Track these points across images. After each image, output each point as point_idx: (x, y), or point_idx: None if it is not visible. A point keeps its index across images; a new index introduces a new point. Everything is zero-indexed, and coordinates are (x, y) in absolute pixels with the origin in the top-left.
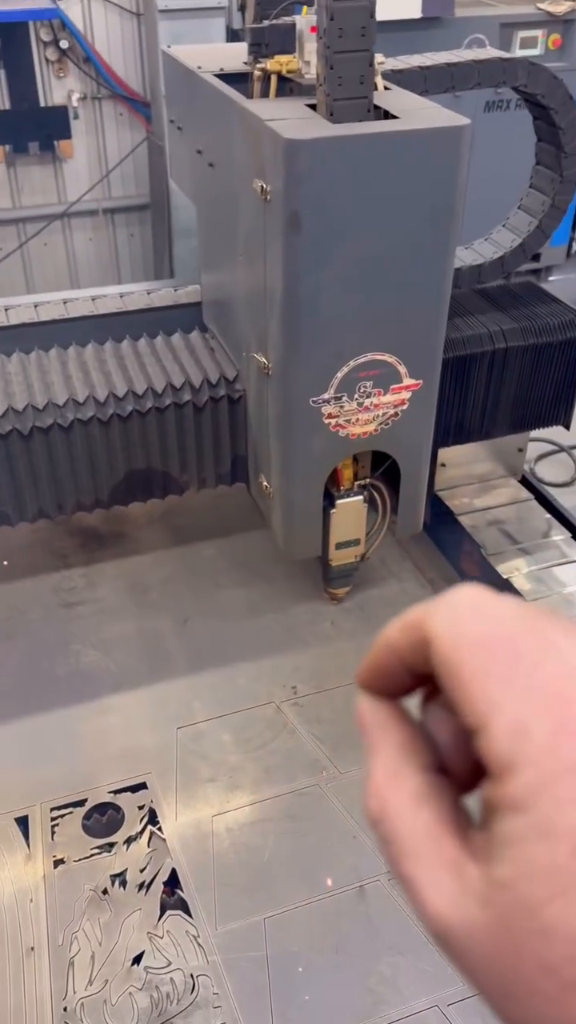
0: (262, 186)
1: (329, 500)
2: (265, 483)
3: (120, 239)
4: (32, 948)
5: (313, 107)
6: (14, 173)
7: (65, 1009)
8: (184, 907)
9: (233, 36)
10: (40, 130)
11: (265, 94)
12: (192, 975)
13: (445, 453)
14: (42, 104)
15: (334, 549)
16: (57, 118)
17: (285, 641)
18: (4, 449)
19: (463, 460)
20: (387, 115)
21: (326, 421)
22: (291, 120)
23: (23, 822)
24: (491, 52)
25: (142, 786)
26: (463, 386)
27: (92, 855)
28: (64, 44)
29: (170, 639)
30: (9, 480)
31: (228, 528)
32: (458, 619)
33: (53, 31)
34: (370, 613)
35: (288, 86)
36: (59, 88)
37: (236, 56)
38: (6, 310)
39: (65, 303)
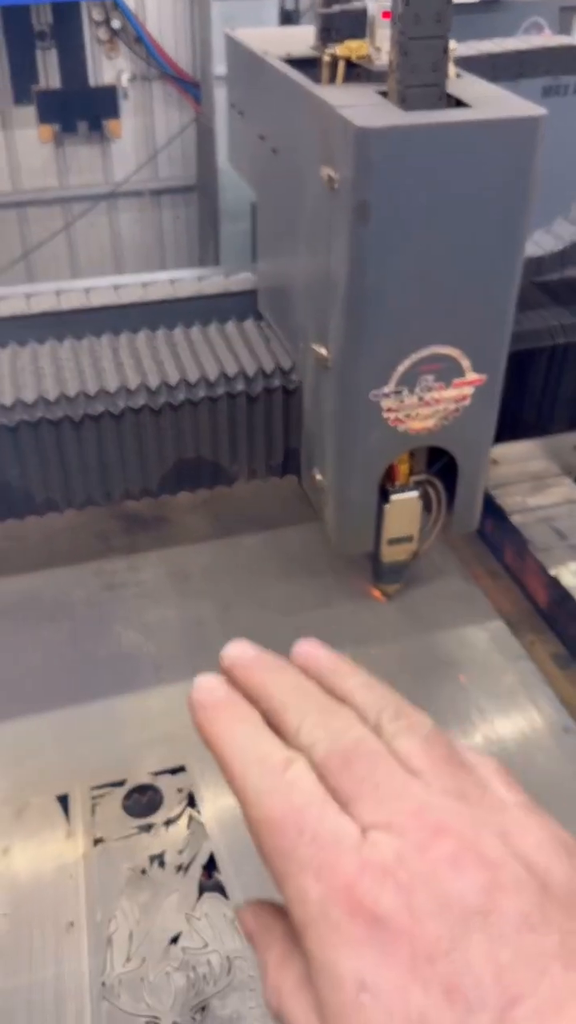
0: (329, 175)
1: (383, 496)
2: (319, 477)
3: (166, 221)
4: (71, 923)
5: (384, 94)
6: (62, 153)
7: (103, 984)
8: (222, 890)
9: (286, 17)
10: (89, 110)
11: (333, 80)
12: (229, 958)
13: (497, 450)
14: (92, 84)
15: (386, 545)
16: (106, 98)
17: (326, 634)
18: (55, 436)
19: (516, 457)
20: (459, 103)
21: (385, 415)
22: (362, 107)
23: (64, 800)
24: (560, 39)
25: (181, 769)
26: (521, 381)
27: (131, 835)
28: (116, 24)
29: (211, 626)
30: (59, 467)
31: (270, 518)
32: (259, 802)
33: (105, 11)
34: (414, 609)
35: (355, 72)
36: (109, 68)
37: (302, 40)
38: (57, 295)
39: (116, 289)
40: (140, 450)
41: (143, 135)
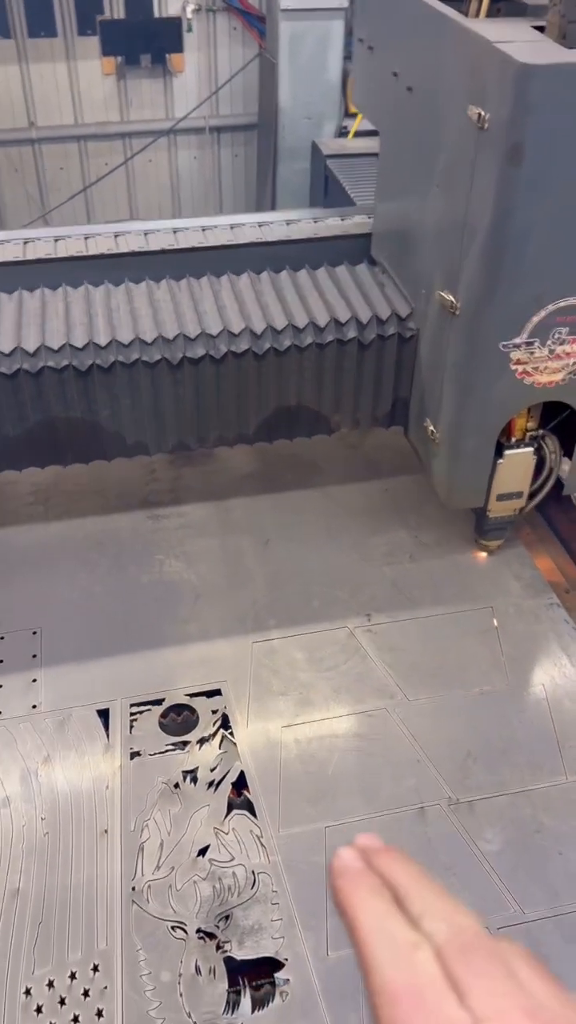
0: (479, 113)
1: (497, 450)
2: (431, 428)
3: (224, 159)
4: (106, 831)
5: (540, 29)
6: (124, 86)
7: (133, 889)
8: (250, 808)
9: None
10: (153, 42)
11: (477, 14)
12: (254, 872)
13: None
14: (156, 15)
15: (495, 500)
16: (170, 30)
17: (363, 571)
18: (150, 378)
19: None
20: None
21: (513, 367)
22: (520, 43)
23: (104, 714)
24: None
25: (216, 692)
26: None
27: (167, 751)
28: None
29: (250, 558)
30: (152, 410)
31: (312, 457)
32: (383, 973)
33: None
34: (450, 550)
35: (496, 6)
36: None
37: None
38: (145, 234)
39: (232, 228)
40: (239, 395)
41: (205, 70)
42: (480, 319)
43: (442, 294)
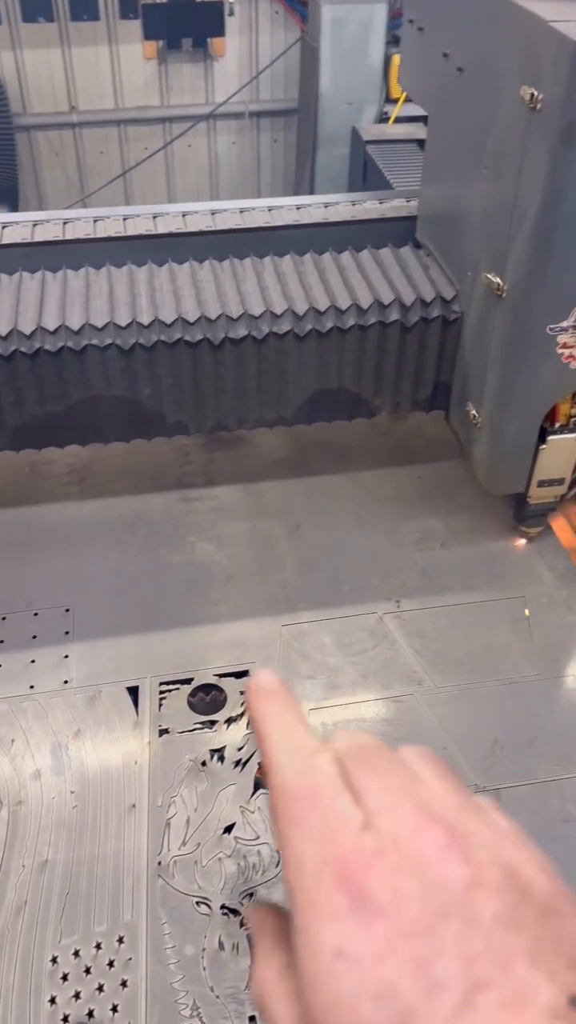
0: (532, 93)
1: (540, 436)
2: (473, 412)
3: (263, 144)
4: (134, 805)
5: None
6: (165, 70)
7: (159, 863)
8: None
9: None
10: (194, 26)
11: None
12: (279, 851)
13: None
14: None
15: (536, 486)
16: (212, 14)
17: (393, 557)
18: (192, 358)
19: None
20: None
21: (559, 351)
22: None
23: (134, 692)
24: None
25: (245, 673)
26: None
27: (195, 729)
28: None
29: (281, 542)
30: (193, 390)
31: (344, 443)
32: (284, 774)
33: None
34: (482, 539)
35: None
36: None
37: None
38: (184, 216)
39: (270, 210)
40: (280, 377)
41: (246, 55)
42: (527, 302)
43: (489, 276)
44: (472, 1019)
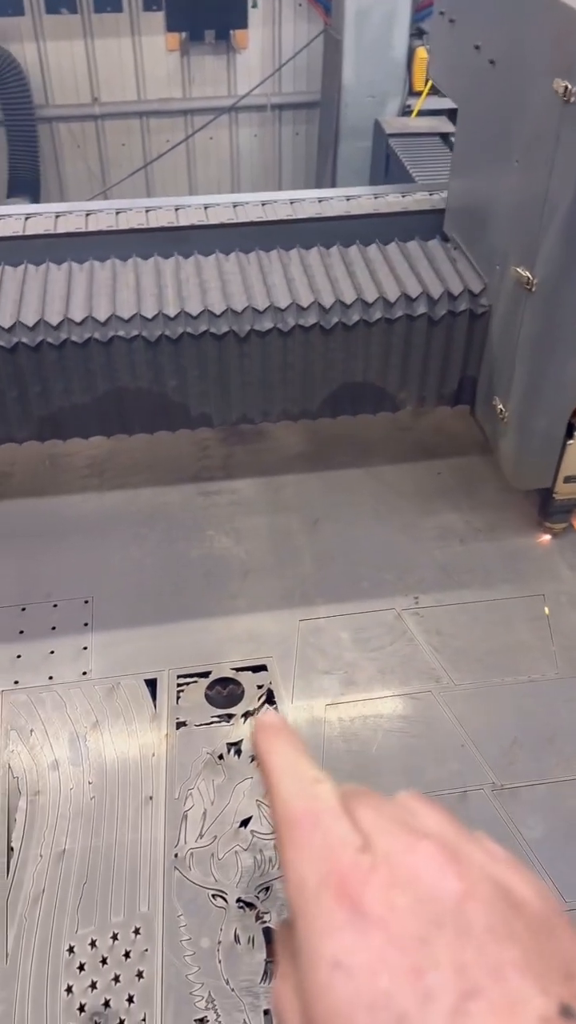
0: (566, 86)
1: (568, 431)
2: (500, 407)
3: (285, 137)
4: (151, 797)
5: None
6: (187, 63)
7: (176, 856)
8: None
9: None
10: (218, 17)
11: None
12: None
13: None
14: None
15: (562, 482)
16: (236, 6)
17: (412, 553)
18: (218, 350)
19: None
20: None
21: None
22: None
23: (152, 684)
24: None
25: (262, 667)
26: None
27: (212, 722)
28: None
29: (299, 537)
30: (218, 382)
31: (364, 438)
32: (286, 802)
33: None
34: (502, 536)
35: None
36: None
37: None
38: (206, 208)
39: (292, 203)
40: (305, 370)
41: (269, 47)
42: (557, 296)
43: (518, 270)
44: None
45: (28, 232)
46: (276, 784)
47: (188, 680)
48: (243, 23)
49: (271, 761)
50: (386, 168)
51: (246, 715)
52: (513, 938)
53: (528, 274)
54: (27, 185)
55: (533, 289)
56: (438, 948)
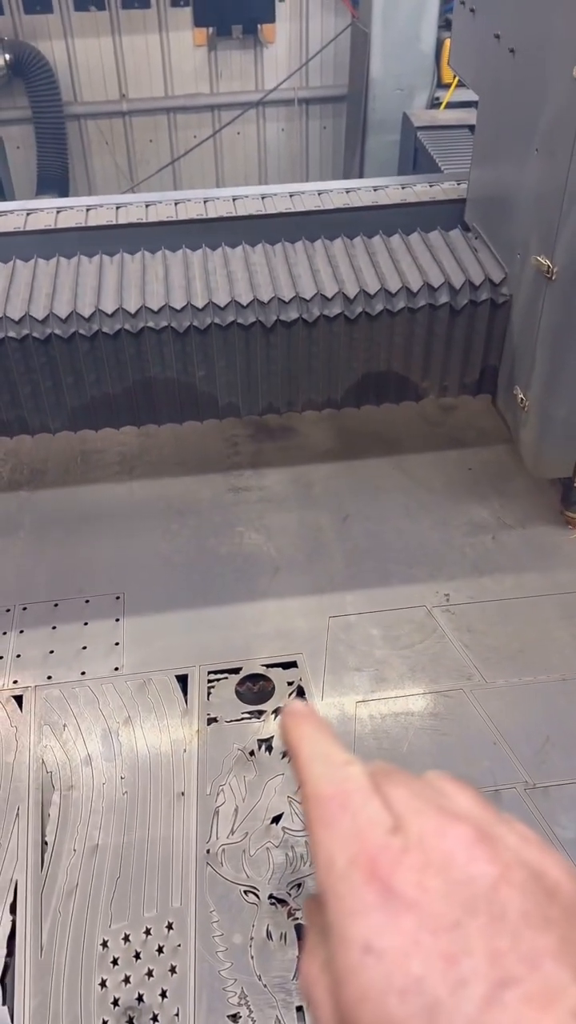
0: None
1: None
2: (520, 395)
3: (312, 131)
4: (182, 793)
5: None
6: (214, 57)
7: (208, 851)
8: None
9: None
10: (245, 12)
11: None
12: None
13: None
14: None
15: None
16: (263, 0)
17: (442, 550)
18: (244, 340)
19: None
20: None
21: None
22: None
23: (183, 680)
24: None
25: (293, 664)
26: None
27: (243, 719)
28: None
29: (329, 533)
30: (245, 372)
31: (394, 434)
32: (316, 782)
33: None
34: (533, 533)
35: None
36: None
37: None
38: (234, 200)
39: (320, 194)
40: (329, 360)
41: (296, 41)
42: None
43: (538, 259)
44: (498, 1014)
45: (60, 225)
46: (305, 767)
47: (219, 676)
48: (270, 17)
49: (300, 746)
50: (414, 162)
51: (276, 711)
52: (548, 925)
53: (548, 262)
54: (56, 182)
55: (553, 278)
56: (471, 934)
